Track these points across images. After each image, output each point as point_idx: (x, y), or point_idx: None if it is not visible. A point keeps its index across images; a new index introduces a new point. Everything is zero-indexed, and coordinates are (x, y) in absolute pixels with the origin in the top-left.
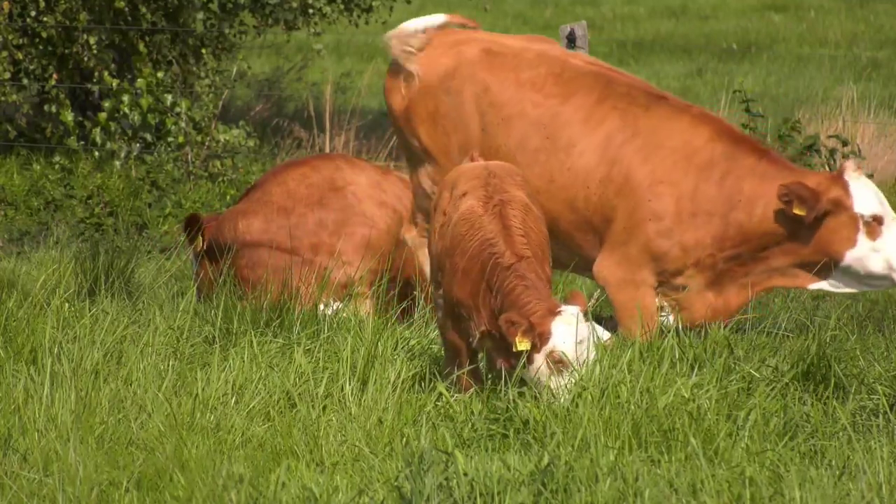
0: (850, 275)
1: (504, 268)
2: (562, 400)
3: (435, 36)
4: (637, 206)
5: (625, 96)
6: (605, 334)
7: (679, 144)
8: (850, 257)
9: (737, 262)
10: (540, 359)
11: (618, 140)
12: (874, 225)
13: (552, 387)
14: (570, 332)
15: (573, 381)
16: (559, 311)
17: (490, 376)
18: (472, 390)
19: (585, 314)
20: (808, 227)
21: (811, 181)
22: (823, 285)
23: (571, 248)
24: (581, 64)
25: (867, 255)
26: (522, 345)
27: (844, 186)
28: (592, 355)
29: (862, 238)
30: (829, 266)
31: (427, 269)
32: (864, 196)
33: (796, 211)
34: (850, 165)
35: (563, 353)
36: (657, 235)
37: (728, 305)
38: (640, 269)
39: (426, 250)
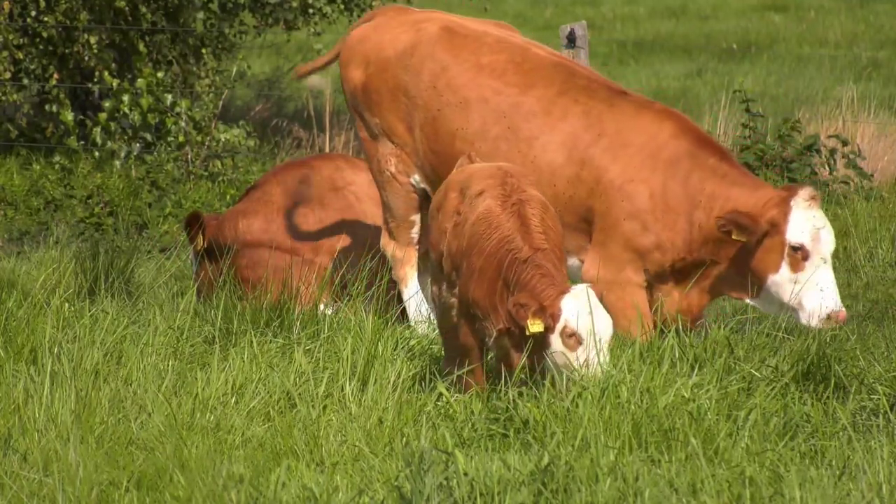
0: (770, 299)
1: (521, 261)
2: (588, 375)
3: (395, 13)
4: (611, 207)
5: (585, 90)
6: (608, 324)
7: (645, 141)
8: (771, 281)
9: (697, 267)
10: (556, 339)
11: (585, 140)
12: (797, 257)
13: (574, 364)
14: (580, 305)
15: (598, 355)
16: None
17: (490, 376)
18: (472, 390)
19: (599, 299)
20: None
21: (754, 200)
22: (757, 302)
23: None
24: (542, 54)
25: (785, 284)
26: (535, 327)
27: (786, 211)
28: (609, 330)
29: (784, 266)
30: (757, 284)
31: (405, 288)
32: (799, 226)
33: (735, 237)
34: (803, 193)
35: (574, 326)
36: (634, 234)
37: (691, 307)
38: (625, 269)
39: (405, 270)
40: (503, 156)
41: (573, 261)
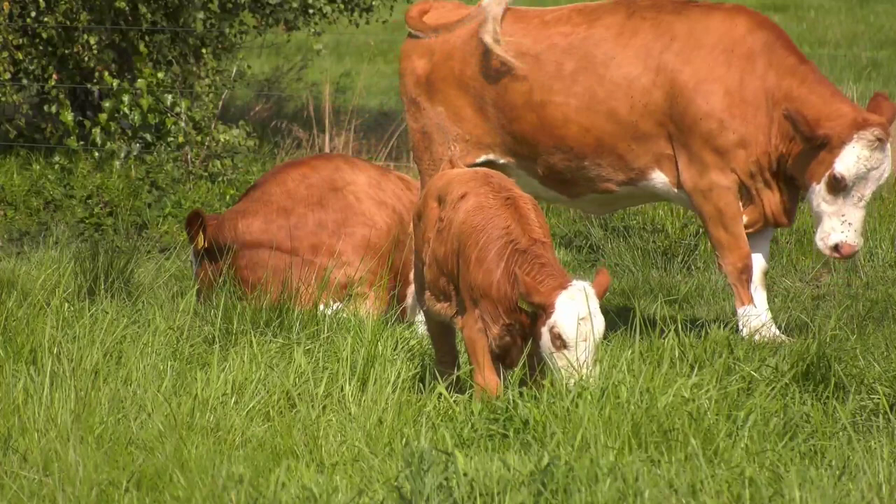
0: (809, 199)
1: (521, 251)
2: (570, 381)
3: (453, 6)
4: (687, 108)
5: (651, 8)
6: (602, 324)
7: (717, 39)
8: (811, 188)
9: (777, 165)
10: (546, 333)
11: (657, 48)
12: (834, 186)
13: (558, 365)
14: (572, 306)
15: (581, 360)
16: (567, 286)
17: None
18: (495, 388)
19: (604, 291)
20: (807, 147)
21: (826, 111)
22: (806, 197)
23: (612, 161)
24: (602, 2)
25: (816, 198)
26: (525, 304)
27: (844, 139)
28: (600, 330)
29: (823, 183)
30: (805, 183)
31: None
32: (850, 160)
33: (797, 133)
34: (869, 132)
35: (562, 329)
36: (712, 134)
37: (785, 205)
38: (709, 172)
39: None
40: (581, 85)
41: (654, 173)
